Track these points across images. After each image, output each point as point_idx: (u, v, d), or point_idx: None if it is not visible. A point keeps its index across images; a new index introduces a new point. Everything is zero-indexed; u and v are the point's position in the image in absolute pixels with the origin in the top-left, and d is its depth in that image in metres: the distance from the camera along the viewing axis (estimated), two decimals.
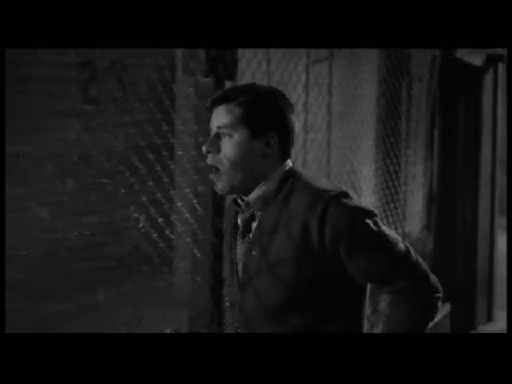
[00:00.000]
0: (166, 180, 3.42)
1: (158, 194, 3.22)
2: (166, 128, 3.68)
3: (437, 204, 6.85)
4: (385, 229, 1.92)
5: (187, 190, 3.49)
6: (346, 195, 1.91)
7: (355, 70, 5.93)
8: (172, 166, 3.79)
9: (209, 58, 3.66)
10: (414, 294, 1.88)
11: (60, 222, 3.68)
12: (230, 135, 1.94)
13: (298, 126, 2.06)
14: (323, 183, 1.96)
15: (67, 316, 3.63)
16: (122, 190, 3.18)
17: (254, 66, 4.07)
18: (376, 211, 1.94)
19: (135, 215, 3.39)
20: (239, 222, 2.04)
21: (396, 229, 6.19)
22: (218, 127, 1.95)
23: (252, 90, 2.00)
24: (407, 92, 6.52)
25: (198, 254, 3.47)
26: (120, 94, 4.21)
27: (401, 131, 6.44)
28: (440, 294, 1.92)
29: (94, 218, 3.90)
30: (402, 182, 6.41)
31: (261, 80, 4.39)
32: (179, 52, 4.65)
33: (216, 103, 1.98)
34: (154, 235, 3.22)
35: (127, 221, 3.62)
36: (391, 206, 6.25)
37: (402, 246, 1.92)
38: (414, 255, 1.93)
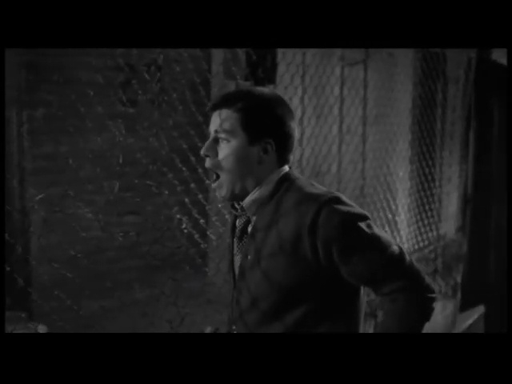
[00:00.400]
0: (209, 182, 3.48)
1: (200, 196, 3.29)
2: (207, 130, 3.73)
3: (471, 206, 6.85)
4: (378, 231, 1.91)
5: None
6: (338, 200, 1.89)
7: (391, 72, 5.96)
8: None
9: (249, 63, 3.73)
10: (409, 295, 1.87)
11: (106, 222, 3.76)
12: (228, 140, 1.95)
13: (297, 133, 2.04)
14: (317, 188, 1.96)
15: (111, 313, 3.72)
16: (166, 192, 3.26)
17: (293, 70, 4.13)
18: (368, 214, 1.93)
19: (178, 216, 3.47)
20: (237, 225, 2.07)
21: (431, 231, 6.21)
22: (216, 131, 1.96)
23: (252, 96, 1.98)
24: (443, 94, 6.53)
25: None
26: (160, 97, 4.28)
27: (436, 133, 6.45)
28: (435, 295, 1.91)
29: (139, 218, 3.98)
30: (437, 183, 6.42)
31: (299, 83, 4.45)
32: (216, 56, 4.73)
33: (216, 107, 1.98)
34: (196, 236, 3.29)
35: (170, 221, 3.69)
36: (426, 207, 6.27)
37: (395, 247, 1.91)
38: (407, 257, 1.92)
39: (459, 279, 6.56)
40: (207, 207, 3.51)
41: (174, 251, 3.74)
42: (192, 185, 3.35)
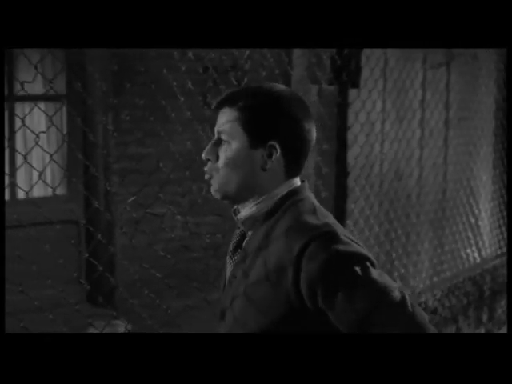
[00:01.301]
0: None
1: None
2: None
3: None
4: (375, 275, 1.59)
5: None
6: (333, 236, 1.60)
7: (475, 74, 5.88)
8: None
9: (333, 67, 3.76)
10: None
11: (193, 223, 3.83)
12: (229, 142, 1.72)
13: (314, 136, 1.76)
14: (318, 217, 1.66)
15: (196, 312, 3.80)
16: None
17: (377, 74, 4.13)
18: (369, 255, 1.62)
19: None
20: (232, 239, 1.84)
21: None
22: (219, 132, 1.75)
23: (257, 94, 1.74)
24: None
25: None
26: None
27: None
28: None
29: (223, 219, 4.04)
30: None
31: (382, 87, 4.45)
32: (298, 60, 4.76)
33: (220, 106, 1.77)
34: None
35: None
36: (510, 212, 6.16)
37: (396, 295, 1.59)
38: (409, 306, 1.60)
39: None
40: None
41: None
42: None
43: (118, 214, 4.11)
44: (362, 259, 1.59)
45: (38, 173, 5.04)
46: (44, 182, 2.48)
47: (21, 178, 5.09)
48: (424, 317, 1.63)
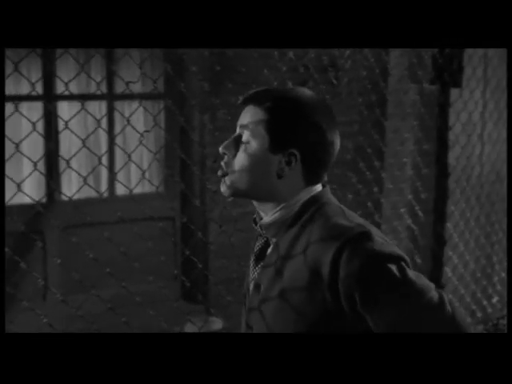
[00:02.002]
0: (391, 186, 3.48)
1: (382, 200, 3.29)
2: (376, 137, 3.74)
3: None
4: (412, 275, 1.56)
5: (410, 197, 3.53)
6: (367, 236, 1.56)
7: None
8: (383, 175, 3.87)
9: (435, 66, 3.69)
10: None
11: None
12: (249, 141, 1.67)
13: (337, 148, 1.70)
14: (348, 218, 1.62)
15: None
16: (350, 195, 3.28)
17: (479, 73, 4.04)
18: (404, 255, 1.59)
19: None
20: (255, 246, 1.78)
21: None
22: (241, 127, 1.70)
23: (286, 97, 1.69)
24: None
25: (418, 260, 3.51)
26: (332, 99, 4.33)
27: None
28: None
29: None
30: None
31: (484, 87, 4.35)
32: (395, 61, 4.70)
33: (246, 102, 1.72)
34: None
35: None
36: None
37: (433, 295, 1.56)
38: (448, 307, 1.58)
39: None
40: (389, 212, 3.51)
41: None
42: (375, 189, 3.36)
43: (219, 211, 4.15)
44: (398, 259, 1.55)
45: (137, 170, 5.13)
46: (148, 180, 2.52)
47: (119, 174, 5.22)
48: (463, 318, 1.60)
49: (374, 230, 1.59)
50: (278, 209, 1.68)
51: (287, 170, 1.65)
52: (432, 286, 1.58)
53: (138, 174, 5.48)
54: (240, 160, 1.67)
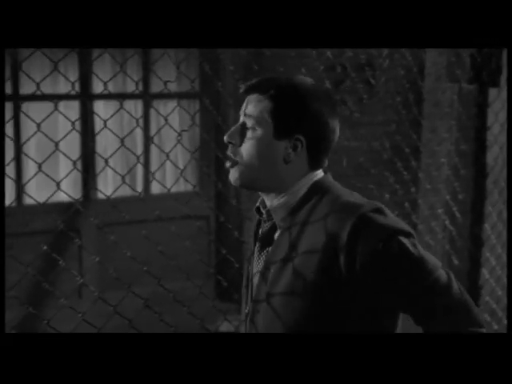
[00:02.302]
0: (428, 187, 3.45)
1: (419, 201, 3.27)
2: (414, 136, 3.72)
3: None
4: (424, 252, 1.62)
5: (447, 197, 3.50)
6: (380, 211, 1.61)
7: None
8: (420, 175, 3.85)
9: (473, 65, 3.65)
10: (455, 328, 1.62)
11: None
12: (254, 128, 1.71)
13: (337, 135, 1.76)
14: (355, 197, 1.68)
15: None
16: (387, 195, 3.26)
17: None
18: (413, 231, 1.64)
19: None
20: (260, 232, 1.81)
21: None
22: (245, 116, 1.73)
23: (290, 85, 1.72)
24: None
25: (455, 261, 3.47)
26: (369, 99, 4.30)
27: None
28: (483, 329, 1.65)
29: None
30: None
31: None
32: (431, 60, 4.66)
33: (249, 91, 1.75)
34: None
35: None
36: None
37: (442, 272, 1.63)
38: (455, 284, 1.64)
39: None
40: (426, 212, 3.48)
41: None
42: (413, 189, 3.34)
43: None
44: (409, 235, 1.61)
45: (172, 169, 5.16)
46: (185, 179, 2.53)
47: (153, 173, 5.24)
48: (467, 295, 1.66)
49: (384, 207, 1.64)
50: (283, 194, 1.72)
51: (293, 155, 1.70)
52: (440, 264, 1.64)
53: (173, 172, 5.51)
54: (247, 148, 1.71)
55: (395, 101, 3.86)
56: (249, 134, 1.71)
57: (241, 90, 1.76)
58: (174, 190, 5.41)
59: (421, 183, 3.98)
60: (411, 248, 1.59)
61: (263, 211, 1.78)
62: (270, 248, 1.75)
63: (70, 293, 2.20)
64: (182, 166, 5.41)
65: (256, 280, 1.78)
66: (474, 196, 3.68)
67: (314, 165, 1.73)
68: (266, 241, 1.77)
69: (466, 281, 3.55)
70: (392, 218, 1.62)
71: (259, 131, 1.70)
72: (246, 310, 1.82)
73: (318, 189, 1.71)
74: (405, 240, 1.59)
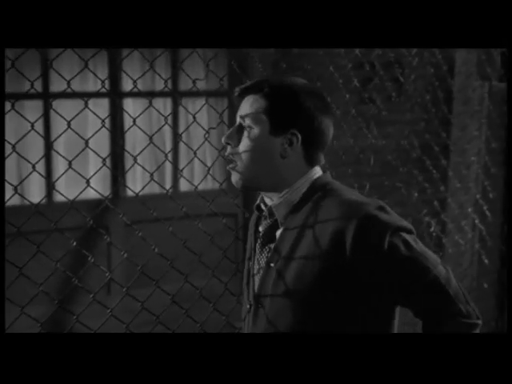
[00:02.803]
0: (458, 185, 3.42)
1: (449, 199, 3.24)
2: (443, 134, 3.69)
3: None
4: (424, 248, 1.70)
5: (478, 196, 3.47)
6: (382, 209, 1.68)
7: None
8: (450, 174, 3.81)
9: (504, 63, 3.62)
10: (452, 321, 1.68)
11: None
12: (251, 127, 1.76)
13: (331, 132, 1.82)
14: (356, 195, 1.75)
15: None
16: (415, 194, 3.24)
17: None
18: (414, 229, 1.73)
19: (426, 219, 3.43)
20: (260, 229, 1.86)
21: None
22: (241, 117, 1.78)
23: (283, 85, 1.78)
24: None
25: (485, 261, 3.44)
26: (399, 97, 4.27)
27: None
28: (479, 322, 1.72)
29: None
30: None
31: None
32: (463, 56, 4.62)
33: (244, 93, 1.81)
34: (445, 239, 3.24)
35: (418, 224, 3.66)
36: None
37: (441, 268, 1.69)
38: (454, 280, 1.71)
39: None
40: (456, 211, 3.45)
41: None
42: (442, 187, 3.31)
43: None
44: (411, 231, 1.70)
45: (201, 167, 5.17)
46: (212, 177, 2.53)
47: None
48: (464, 290, 1.73)
49: (385, 205, 1.71)
50: (284, 192, 1.77)
51: (289, 150, 1.75)
52: (439, 260, 1.71)
53: (201, 170, 5.53)
54: (244, 146, 1.76)
55: (424, 99, 3.83)
56: (245, 133, 1.77)
57: (235, 94, 1.82)
58: (202, 187, 5.46)
59: (450, 182, 3.95)
60: (413, 243, 1.66)
61: (264, 208, 1.83)
62: (273, 245, 1.79)
63: (98, 289, 2.21)
64: (210, 164, 5.43)
65: (259, 276, 1.82)
66: (505, 194, 3.65)
67: (311, 160, 1.79)
68: (268, 238, 1.82)
69: (496, 280, 3.52)
70: (394, 216, 1.69)
71: (255, 129, 1.75)
72: (248, 306, 1.85)
73: (318, 186, 1.77)
74: (407, 236, 1.67)
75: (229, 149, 1.79)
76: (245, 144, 1.76)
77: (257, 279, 1.84)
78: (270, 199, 1.81)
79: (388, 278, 1.66)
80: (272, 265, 1.77)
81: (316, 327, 1.71)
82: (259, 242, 1.85)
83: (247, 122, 1.77)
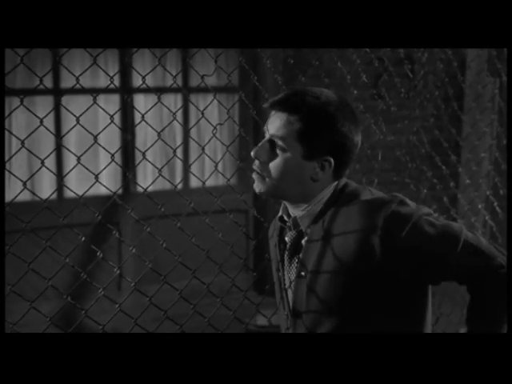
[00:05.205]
0: (468, 182, 3.40)
1: (459, 196, 3.23)
2: (453, 131, 3.67)
3: None
4: (446, 221, 1.74)
5: (488, 193, 3.45)
6: (404, 202, 1.72)
7: None
8: (460, 170, 3.80)
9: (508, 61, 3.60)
10: (496, 276, 1.71)
11: None
12: (283, 149, 1.75)
13: (360, 143, 1.82)
14: (375, 193, 1.78)
15: None
16: (425, 190, 3.23)
17: None
18: (431, 210, 1.78)
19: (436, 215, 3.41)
20: (287, 240, 1.86)
21: None
22: (272, 135, 1.76)
23: (316, 105, 1.75)
24: None
25: None
26: (408, 93, 4.26)
27: None
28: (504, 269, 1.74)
29: None
30: None
31: None
32: (471, 53, 4.61)
33: (275, 107, 1.78)
34: None
35: None
36: None
37: (468, 232, 1.75)
38: (482, 238, 1.77)
39: None
40: (466, 208, 3.43)
41: None
42: (452, 183, 3.30)
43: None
44: (430, 214, 1.73)
45: (211, 163, 5.19)
46: (221, 173, 2.54)
47: (193, 166, 5.27)
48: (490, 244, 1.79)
49: (404, 197, 1.76)
50: (308, 204, 1.79)
51: (321, 173, 1.77)
52: (462, 226, 1.77)
53: (212, 166, 5.53)
54: (275, 166, 1.76)
55: (434, 95, 3.82)
56: (277, 152, 1.76)
57: (265, 105, 1.80)
58: (212, 183, 5.46)
59: (461, 178, 3.94)
60: (436, 221, 1.71)
61: (287, 220, 1.85)
62: (300, 255, 1.81)
63: (107, 284, 2.22)
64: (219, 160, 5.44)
65: (291, 289, 1.85)
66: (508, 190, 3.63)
67: (338, 177, 1.81)
68: (295, 249, 1.83)
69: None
70: (414, 205, 1.74)
71: (288, 153, 1.75)
72: (285, 317, 1.89)
73: (340, 193, 1.79)
74: (429, 218, 1.71)
75: (258, 163, 1.79)
76: (276, 164, 1.76)
77: (290, 292, 1.86)
78: (293, 210, 1.83)
79: (426, 260, 1.70)
80: (302, 277, 1.80)
81: (355, 330, 1.74)
82: (287, 253, 1.86)
83: (279, 142, 1.75)
